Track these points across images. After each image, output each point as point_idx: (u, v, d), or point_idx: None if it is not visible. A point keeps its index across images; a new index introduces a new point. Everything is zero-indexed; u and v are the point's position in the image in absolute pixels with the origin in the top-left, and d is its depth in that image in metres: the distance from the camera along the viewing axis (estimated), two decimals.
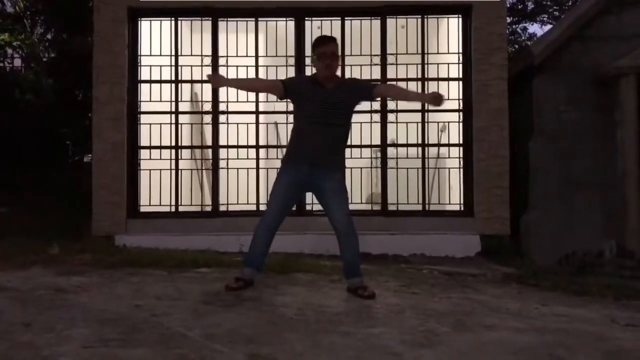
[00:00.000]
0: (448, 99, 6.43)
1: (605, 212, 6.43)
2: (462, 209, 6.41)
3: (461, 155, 6.47)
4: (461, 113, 6.46)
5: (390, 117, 6.47)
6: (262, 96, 6.58)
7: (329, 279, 4.45)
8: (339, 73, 4.12)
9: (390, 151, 6.49)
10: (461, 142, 6.47)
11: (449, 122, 6.68)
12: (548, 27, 16.34)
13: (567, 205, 6.44)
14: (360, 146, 6.42)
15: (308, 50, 6.38)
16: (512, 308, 3.82)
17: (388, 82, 4.11)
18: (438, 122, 6.76)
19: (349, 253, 3.92)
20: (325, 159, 3.87)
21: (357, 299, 3.78)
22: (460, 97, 6.48)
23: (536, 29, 31.49)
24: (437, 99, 3.74)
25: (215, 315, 3.25)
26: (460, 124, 6.48)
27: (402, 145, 6.56)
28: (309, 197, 6.20)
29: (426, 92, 6.40)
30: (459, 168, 6.47)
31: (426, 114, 6.48)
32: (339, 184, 3.93)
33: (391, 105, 6.47)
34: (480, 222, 6.24)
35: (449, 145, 6.66)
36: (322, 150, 3.84)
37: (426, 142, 6.49)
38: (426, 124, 6.48)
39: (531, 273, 5.25)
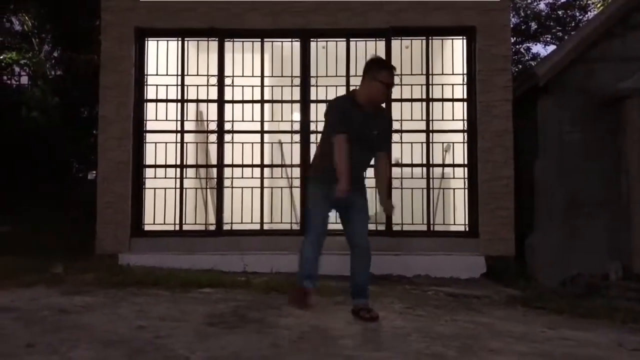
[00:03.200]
0: (452, 120, 6.51)
1: (610, 233, 6.40)
2: (466, 229, 6.39)
3: (466, 176, 6.46)
4: (465, 134, 6.48)
5: (395, 137, 6.46)
6: (267, 115, 6.62)
7: (333, 300, 4.42)
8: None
9: (395, 171, 6.49)
10: (466, 162, 6.48)
11: (453, 142, 6.68)
12: (551, 47, 16.50)
13: (572, 226, 6.43)
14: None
15: (313, 71, 6.47)
16: (517, 331, 3.78)
17: (389, 164, 4.10)
18: (442, 143, 6.77)
19: (361, 273, 3.89)
20: (358, 180, 3.91)
21: (362, 321, 3.75)
22: (465, 117, 6.49)
23: (539, 49, 31.62)
24: (388, 209, 4.10)
25: (219, 338, 3.23)
26: (465, 144, 6.49)
27: (406, 165, 6.57)
28: None
29: (430, 114, 6.46)
30: (464, 188, 6.47)
31: (430, 134, 6.49)
32: (365, 203, 3.98)
33: (396, 125, 6.47)
34: (485, 242, 6.22)
35: (453, 165, 6.66)
36: (358, 171, 3.89)
37: (431, 162, 6.50)
38: (431, 144, 6.49)
39: (536, 295, 5.20)
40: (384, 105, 4.13)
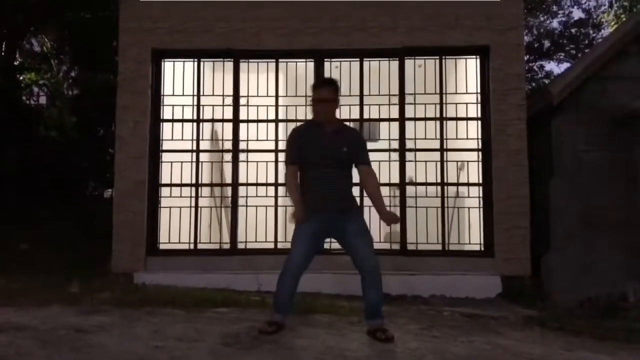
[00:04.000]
0: (467, 138, 6.50)
1: (627, 252, 6.31)
2: (482, 249, 6.35)
3: (481, 195, 6.44)
4: (480, 152, 6.46)
5: (409, 155, 6.48)
6: (281, 134, 6.66)
7: (347, 320, 4.40)
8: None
9: (409, 190, 6.48)
10: (480, 181, 6.46)
11: (467, 161, 6.67)
12: (565, 65, 16.49)
13: (589, 246, 6.35)
14: (379, 185, 6.38)
15: None
16: (535, 353, 3.74)
17: (372, 174, 4.01)
18: (457, 161, 6.76)
19: (372, 294, 3.85)
20: (342, 203, 3.85)
21: (377, 342, 3.72)
22: (479, 136, 6.49)
23: (553, 67, 31.58)
24: (393, 220, 4.01)
25: (234, 358, 3.23)
26: (480, 163, 6.47)
27: (421, 184, 6.56)
28: None
29: (444, 132, 6.46)
30: (479, 208, 6.44)
31: (445, 153, 6.48)
32: (362, 226, 3.90)
33: (410, 144, 6.49)
34: (500, 262, 6.17)
35: (468, 184, 6.64)
36: (336, 195, 3.83)
37: (445, 181, 6.48)
38: (445, 163, 6.48)
39: (554, 316, 5.14)
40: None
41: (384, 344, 3.69)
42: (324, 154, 3.81)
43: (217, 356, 3.26)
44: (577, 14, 23.65)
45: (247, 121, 6.67)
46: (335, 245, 5.80)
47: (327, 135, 3.87)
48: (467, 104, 6.60)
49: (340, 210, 3.83)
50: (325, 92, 3.91)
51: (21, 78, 11.93)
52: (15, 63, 12.17)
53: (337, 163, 3.83)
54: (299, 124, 6.62)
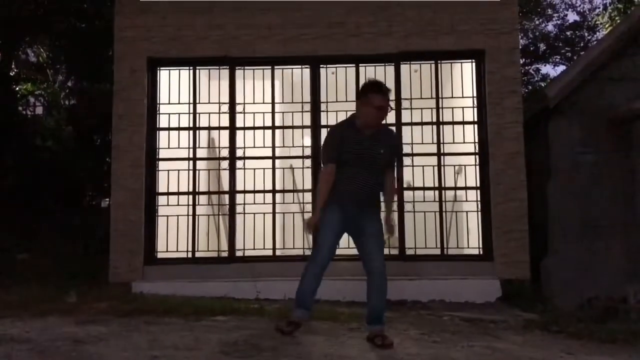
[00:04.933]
0: (463, 142, 6.50)
1: (627, 255, 6.30)
2: (481, 252, 6.34)
3: (478, 199, 6.43)
4: (477, 156, 6.46)
5: (406, 160, 6.47)
6: (278, 141, 6.65)
7: (347, 327, 4.38)
8: None
9: (407, 194, 6.47)
10: (478, 185, 6.45)
11: (465, 165, 6.66)
12: (561, 67, 16.53)
13: (588, 248, 6.33)
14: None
15: (323, 97, 6.52)
16: (536, 357, 3.73)
17: (394, 179, 4.18)
18: (454, 165, 6.75)
19: (377, 297, 3.87)
20: (369, 202, 3.93)
21: (377, 349, 3.70)
22: (476, 140, 6.48)
23: (549, 69, 31.69)
24: (390, 232, 4.04)
25: None
26: (477, 167, 6.47)
27: (418, 189, 6.54)
28: None
29: (441, 137, 6.46)
30: (477, 211, 6.43)
31: (442, 157, 6.48)
32: (377, 228, 3.96)
33: (406, 148, 6.48)
34: (499, 266, 6.15)
35: (465, 188, 6.63)
36: (366, 194, 3.90)
37: (443, 185, 6.47)
38: (442, 167, 6.48)
39: (554, 319, 5.12)
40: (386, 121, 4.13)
41: (384, 350, 3.67)
42: (362, 156, 3.88)
43: None
44: (571, 17, 23.83)
45: (244, 128, 6.66)
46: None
47: (366, 137, 3.91)
48: (463, 108, 6.60)
49: (362, 209, 3.89)
50: (386, 100, 3.94)
51: (17, 89, 11.92)
52: (11, 74, 12.15)
53: (373, 165, 3.90)
54: (295, 130, 6.75)
